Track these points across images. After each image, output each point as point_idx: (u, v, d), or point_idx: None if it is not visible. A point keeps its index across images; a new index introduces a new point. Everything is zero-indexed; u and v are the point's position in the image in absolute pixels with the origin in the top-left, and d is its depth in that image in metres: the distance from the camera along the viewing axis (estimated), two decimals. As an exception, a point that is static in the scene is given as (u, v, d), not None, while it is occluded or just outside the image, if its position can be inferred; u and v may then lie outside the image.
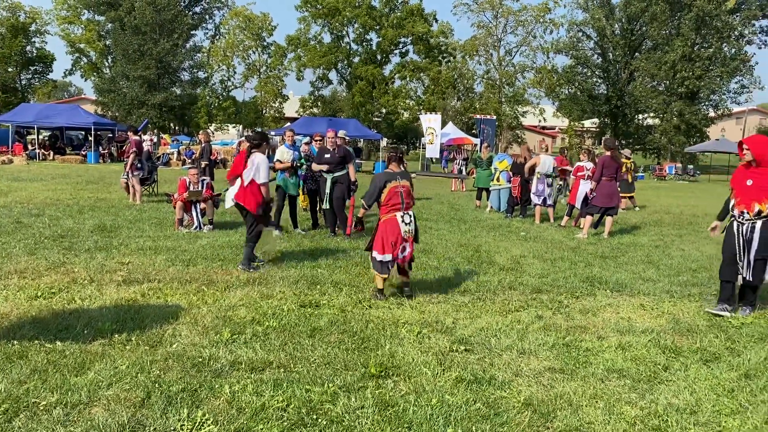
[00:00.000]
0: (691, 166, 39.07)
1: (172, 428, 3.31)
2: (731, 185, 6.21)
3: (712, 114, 51.35)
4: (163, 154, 31.09)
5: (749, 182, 5.91)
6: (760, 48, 47.32)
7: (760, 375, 4.42)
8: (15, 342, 4.44)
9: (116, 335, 4.70)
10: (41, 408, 3.47)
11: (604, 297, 6.60)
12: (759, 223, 5.85)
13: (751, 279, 5.93)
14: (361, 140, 47.68)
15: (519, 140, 56.27)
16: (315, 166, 9.76)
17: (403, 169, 6.38)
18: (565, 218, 12.18)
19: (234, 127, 62.23)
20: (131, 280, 6.46)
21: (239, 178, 7.15)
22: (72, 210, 11.51)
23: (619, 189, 11.11)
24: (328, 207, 9.72)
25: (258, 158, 7.08)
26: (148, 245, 8.35)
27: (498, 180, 13.95)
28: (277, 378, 4.01)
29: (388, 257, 6.01)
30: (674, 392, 4.09)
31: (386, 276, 6.11)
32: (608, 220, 10.96)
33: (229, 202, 7.30)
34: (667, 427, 3.57)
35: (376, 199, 6.16)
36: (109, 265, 7.12)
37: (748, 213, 5.92)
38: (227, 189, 7.60)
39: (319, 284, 6.59)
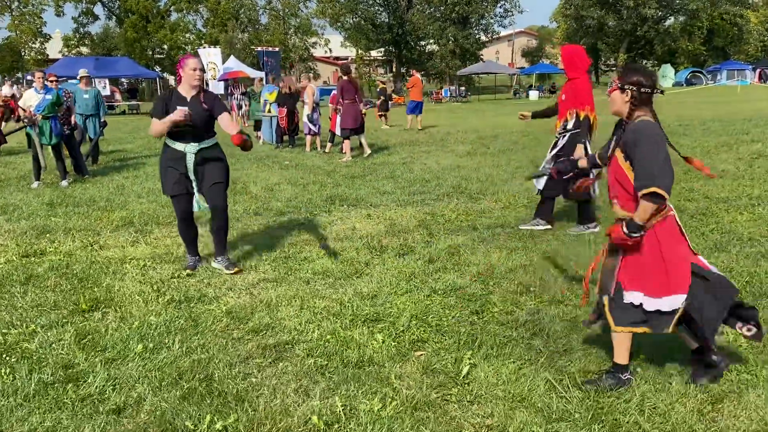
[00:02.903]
0: (463, 89, 42.31)
1: None
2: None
3: (484, 38, 55.81)
4: None
5: (563, 97, 5.89)
6: (518, -27, 51.75)
7: (439, 259, 5.26)
8: None
9: None
10: None
11: (338, 212, 7.21)
12: (564, 138, 5.86)
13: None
14: (143, 81, 44.53)
15: (312, 71, 56.42)
16: (159, 128, 4.80)
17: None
18: (329, 145, 12.79)
19: (-10, 74, 54.27)
20: None
21: None
22: None
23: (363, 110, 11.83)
24: (201, 213, 5.34)
25: None
26: None
27: (270, 111, 14.13)
28: (-31, 328, 3.94)
29: (679, 299, 2.88)
30: (365, 283, 4.74)
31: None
32: (363, 139, 11.80)
33: None
34: (345, 310, 4.17)
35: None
36: None
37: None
38: None
39: (50, 233, 6.37)
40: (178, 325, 3.98)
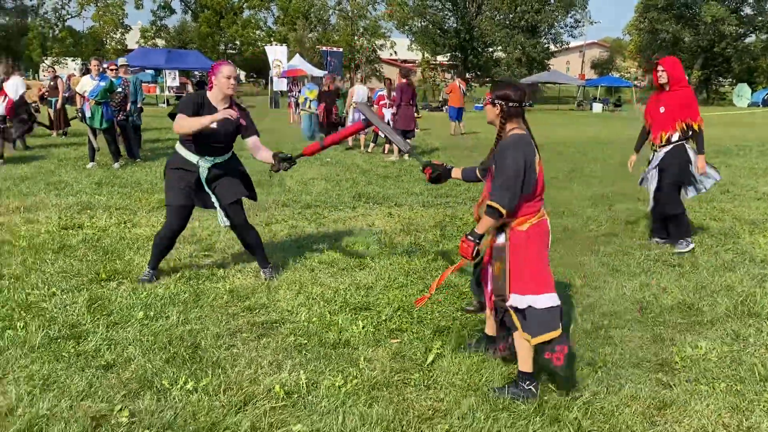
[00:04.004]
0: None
1: None
2: (645, 116, 5.99)
3: (553, 48, 55.02)
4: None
5: (662, 110, 5.71)
6: (591, -16, 50.84)
7: (443, 259, 5.41)
8: None
9: None
10: None
11: (362, 208, 7.45)
12: (662, 152, 5.74)
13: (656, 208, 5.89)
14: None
15: (377, 74, 57.00)
16: (190, 123, 4.29)
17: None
18: (371, 144, 13.08)
19: (73, 60, 57.49)
20: None
21: None
22: None
23: (417, 114, 12.22)
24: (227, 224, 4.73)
25: None
26: None
27: (309, 108, 14.58)
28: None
29: (556, 298, 3.05)
30: (365, 275, 4.94)
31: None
32: (408, 142, 12.08)
33: None
34: (337, 297, 4.40)
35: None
36: None
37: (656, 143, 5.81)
38: None
39: (91, 209, 6.86)
40: (181, 298, 4.29)
